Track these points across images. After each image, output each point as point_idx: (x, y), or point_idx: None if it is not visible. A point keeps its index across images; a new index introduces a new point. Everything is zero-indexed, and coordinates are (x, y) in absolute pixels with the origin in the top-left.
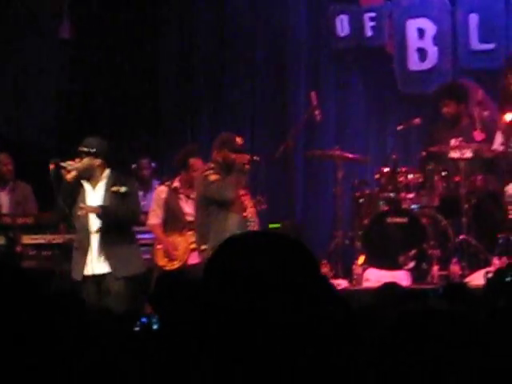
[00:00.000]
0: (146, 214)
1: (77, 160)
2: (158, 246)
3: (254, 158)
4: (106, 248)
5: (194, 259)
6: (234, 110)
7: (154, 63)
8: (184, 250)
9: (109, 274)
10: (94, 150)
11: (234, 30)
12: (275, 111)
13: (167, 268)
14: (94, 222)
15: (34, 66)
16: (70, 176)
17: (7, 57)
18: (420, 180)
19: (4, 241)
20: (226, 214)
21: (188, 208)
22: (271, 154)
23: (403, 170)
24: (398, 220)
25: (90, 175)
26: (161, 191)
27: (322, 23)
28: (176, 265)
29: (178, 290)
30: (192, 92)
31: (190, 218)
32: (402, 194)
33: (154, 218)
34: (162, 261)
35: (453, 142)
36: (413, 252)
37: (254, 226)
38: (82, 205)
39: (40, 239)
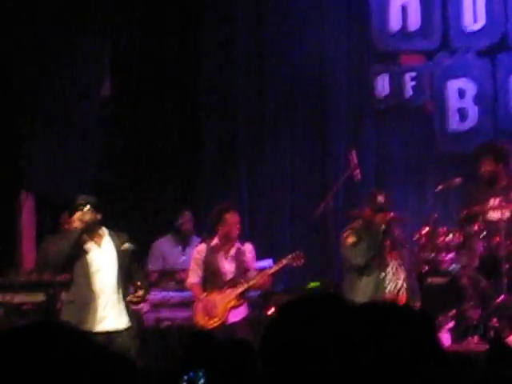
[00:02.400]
0: (185, 270)
1: (80, 213)
2: (197, 305)
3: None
4: (119, 305)
5: (233, 317)
6: (274, 169)
7: (194, 120)
8: (223, 308)
9: (125, 330)
10: (96, 205)
11: (275, 86)
12: (315, 169)
13: (207, 326)
14: (105, 278)
15: (76, 126)
16: (80, 224)
17: (51, 116)
18: (460, 240)
19: (44, 297)
20: (356, 277)
21: (227, 265)
22: (311, 212)
23: (443, 230)
24: (438, 280)
25: (93, 229)
26: (200, 250)
27: (363, 82)
28: (216, 323)
29: (207, 350)
30: (232, 146)
31: (228, 276)
32: (442, 255)
33: (193, 277)
34: (201, 320)
35: (491, 201)
36: (452, 312)
37: (394, 282)
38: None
39: None
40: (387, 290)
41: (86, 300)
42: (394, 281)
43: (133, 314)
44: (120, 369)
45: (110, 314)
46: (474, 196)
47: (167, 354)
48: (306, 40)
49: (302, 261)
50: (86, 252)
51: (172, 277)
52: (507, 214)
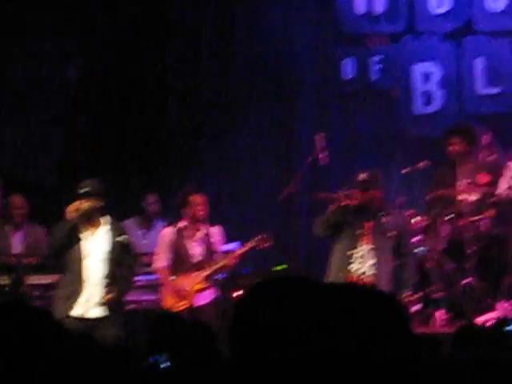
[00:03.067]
0: (148, 254)
1: (78, 202)
2: (165, 289)
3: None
4: (105, 294)
5: (201, 300)
6: (240, 152)
7: (160, 102)
8: (191, 291)
9: (105, 318)
10: (96, 192)
11: (241, 69)
12: (282, 152)
13: (175, 309)
14: (96, 266)
15: (42, 107)
16: (71, 215)
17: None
18: (426, 223)
19: (8, 281)
20: (332, 250)
21: (195, 248)
22: (278, 195)
23: (409, 213)
24: None
25: (90, 218)
26: (167, 233)
27: (329, 64)
28: (183, 306)
29: (173, 332)
30: (198, 130)
31: (196, 259)
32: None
33: (160, 261)
34: (169, 302)
35: (458, 184)
36: (419, 295)
37: (360, 265)
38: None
39: (45, 279)
40: (352, 269)
41: (76, 287)
42: (360, 263)
43: (118, 303)
44: (79, 349)
45: (93, 304)
46: (441, 179)
47: (133, 337)
48: (271, 22)
49: (269, 243)
50: (80, 239)
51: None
52: (474, 197)
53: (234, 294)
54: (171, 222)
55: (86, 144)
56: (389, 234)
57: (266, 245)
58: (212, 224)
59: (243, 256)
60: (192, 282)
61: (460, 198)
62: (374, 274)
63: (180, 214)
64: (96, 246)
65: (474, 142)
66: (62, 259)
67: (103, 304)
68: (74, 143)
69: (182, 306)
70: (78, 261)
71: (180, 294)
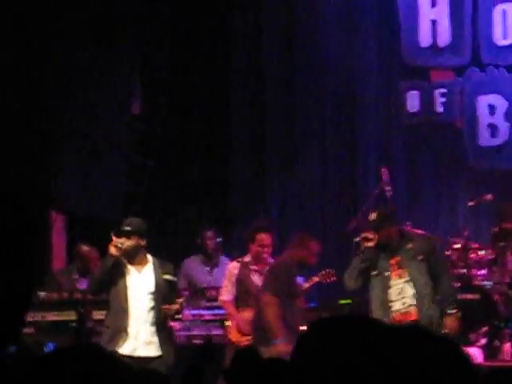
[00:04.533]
0: (215, 289)
1: (124, 239)
2: (231, 322)
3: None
4: (151, 333)
5: None
6: (304, 185)
7: (225, 136)
8: None
9: (157, 358)
10: (140, 230)
11: (305, 101)
12: (345, 185)
13: (241, 344)
14: (141, 304)
15: (106, 143)
16: (115, 252)
17: (83, 131)
18: (492, 256)
19: (75, 316)
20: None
21: (260, 283)
22: (342, 228)
23: (475, 246)
24: (470, 296)
25: (134, 256)
26: (233, 267)
27: (393, 98)
28: (249, 340)
29: (254, 367)
30: (261, 163)
31: None
32: (474, 271)
33: (226, 295)
34: (235, 337)
35: None
36: (485, 329)
37: (401, 301)
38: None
39: None
40: (394, 309)
41: (120, 326)
42: (401, 299)
43: (169, 345)
44: None
45: (141, 342)
46: (506, 212)
47: (200, 372)
48: (336, 55)
49: (334, 278)
50: (123, 277)
51: (203, 294)
52: None
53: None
54: (238, 256)
55: (150, 179)
56: (419, 258)
57: (330, 279)
58: (277, 257)
59: (308, 291)
60: None
61: None
62: (416, 303)
63: (246, 249)
64: (142, 283)
65: None
66: (107, 296)
67: (152, 343)
68: (138, 178)
69: (247, 340)
70: (124, 298)
71: (245, 328)
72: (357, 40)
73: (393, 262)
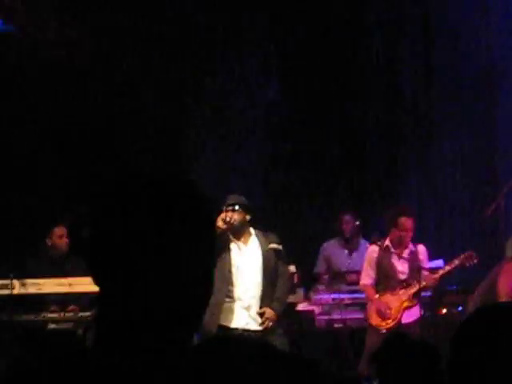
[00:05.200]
0: (354, 273)
1: (229, 213)
2: (371, 306)
3: None
4: (266, 300)
5: (407, 318)
6: (443, 168)
7: (360, 123)
8: (397, 309)
9: (265, 332)
10: (246, 206)
11: (443, 89)
12: (485, 167)
13: (381, 327)
14: (249, 279)
15: (242, 129)
16: (222, 225)
17: (215, 118)
18: None
19: None
20: None
21: (400, 266)
22: (481, 211)
23: None
24: None
25: (240, 230)
26: (372, 251)
27: None
28: (390, 324)
29: (402, 352)
30: (399, 142)
31: (402, 277)
32: None
33: (367, 279)
34: (375, 320)
35: None
36: None
37: None
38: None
39: None
40: None
41: (220, 300)
42: None
43: (275, 302)
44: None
45: (253, 316)
46: None
47: (340, 356)
48: (478, 40)
49: (475, 260)
50: (228, 251)
51: (342, 278)
52: None
53: (440, 312)
54: (377, 239)
55: (288, 163)
56: None
57: (472, 262)
58: (416, 242)
59: (449, 273)
60: (399, 299)
61: None
62: None
63: (387, 232)
64: (249, 257)
65: None
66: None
67: (262, 317)
68: (277, 163)
69: (387, 324)
70: (227, 272)
71: (385, 312)
72: (498, 15)
73: None
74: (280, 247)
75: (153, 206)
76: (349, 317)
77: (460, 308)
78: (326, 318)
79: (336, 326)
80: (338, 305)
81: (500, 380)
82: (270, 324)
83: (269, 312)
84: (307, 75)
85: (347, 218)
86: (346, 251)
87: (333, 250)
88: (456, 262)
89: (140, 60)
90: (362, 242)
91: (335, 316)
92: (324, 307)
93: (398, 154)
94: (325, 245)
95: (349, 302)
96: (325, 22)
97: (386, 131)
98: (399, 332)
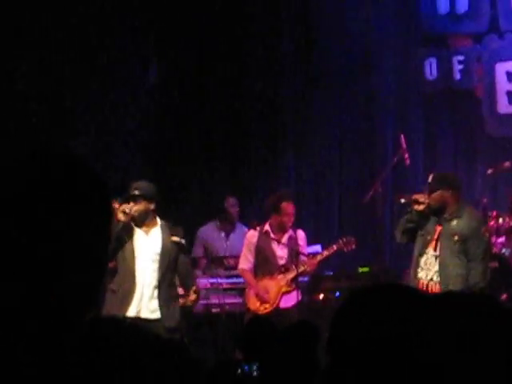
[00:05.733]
0: (232, 257)
1: (131, 203)
2: (250, 291)
3: None
4: (161, 294)
5: (285, 303)
6: (321, 154)
7: (240, 106)
8: (275, 294)
9: (157, 320)
10: (150, 194)
11: (322, 70)
12: (363, 154)
13: (259, 312)
14: (148, 268)
15: (120, 115)
16: (123, 217)
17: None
18: (510, 224)
19: None
20: None
21: (280, 251)
22: (359, 197)
23: (493, 214)
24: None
25: (143, 220)
26: (252, 235)
27: (411, 65)
28: (268, 308)
29: (267, 335)
30: (278, 132)
31: (281, 262)
32: (493, 238)
33: (245, 263)
34: (254, 305)
35: None
36: (504, 296)
37: (425, 272)
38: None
39: None
40: (419, 276)
41: (128, 289)
42: (425, 270)
43: (172, 308)
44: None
45: (145, 305)
46: None
47: (217, 341)
48: (354, 22)
49: (353, 246)
50: (131, 241)
51: (220, 263)
52: None
53: (317, 297)
54: (257, 224)
55: (168, 148)
56: (455, 238)
57: (350, 247)
58: (295, 227)
59: (327, 258)
60: (277, 284)
61: None
62: (439, 282)
63: (267, 217)
64: (149, 246)
65: None
66: (115, 260)
67: (161, 304)
68: (155, 147)
69: (265, 308)
70: (131, 261)
71: (264, 297)
72: (375, 8)
73: (438, 229)
74: (183, 241)
75: (33, 185)
76: (227, 301)
77: (337, 293)
78: (204, 302)
79: (214, 310)
80: (216, 289)
81: (376, 359)
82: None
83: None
84: (185, 61)
85: (232, 200)
86: (223, 234)
87: (209, 233)
88: (334, 247)
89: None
90: (239, 225)
91: (213, 301)
92: (202, 292)
93: (277, 138)
94: (201, 229)
95: (227, 286)
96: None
97: (266, 122)
98: (261, 316)
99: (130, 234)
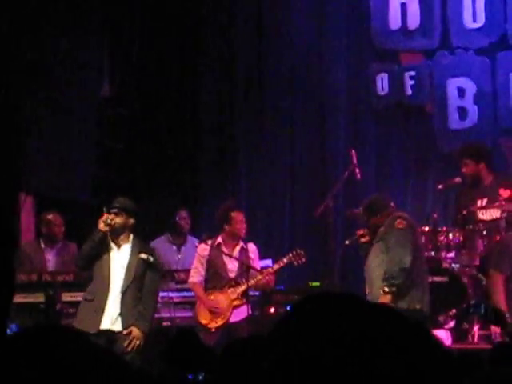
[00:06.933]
0: (183, 271)
1: (112, 216)
2: (200, 305)
3: None
4: (122, 309)
5: (235, 317)
6: (272, 169)
7: (194, 119)
8: (226, 308)
9: (119, 333)
10: (130, 210)
11: (273, 84)
12: (314, 169)
13: (210, 326)
14: (117, 281)
15: (76, 126)
16: (103, 227)
17: (49, 115)
18: (460, 239)
19: (44, 298)
20: None
21: (231, 264)
22: (310, 211)
23: (444, 229)
24: (439, 279)
25: (119, 234)
26: (203, 249)
27: (363, 80)
28: (219, 323)
29: (193, 349)
30: (230, 147)
31: (232, 275)
32: (443, 253)
33: (196, 276)
34: (204, 319)
35: (479, 203)
36: (453, 311)
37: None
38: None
39: (80, 296)
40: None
41: (101, 299)
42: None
43: (138, 323)
44: (119, 373)
45: (109, 316)
46: (463, 197)
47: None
48: (304, 37)
49: (303, 259)
50: (108, 253)
51: (171, 277)
52: (496, 214)
53: (268, 311)
54: (208, 237)
55: (119, 161)
56: (377, 240)
57: (300, 261)
58: (246, 240)
59: (277, 273)
60: (227, 298)
61: (481, 216)
62: (368, 288)
63: (218, 229)
64: (118, 261)
65: (487, 159)
66: (91, 269)
67: (123, 318)
68: (107, 160)
69: (216, 322)
70: (106, 273)
71: (215, 311)
72: (326, 22)
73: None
74: (151, 259)
75: None
76: (178, 315)
77: (289, 307)
78: (155, 316)
79: (165, 324)
80: (166, 303)
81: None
82: (137, 343)
83: (135, 331)
84: (139, 72)
85: (183, 213)
86: (175, 247)
87: (161, 247)
88: (284, 260)
89: None
90: (190, 238)
91: (164, 314)
92: None
93: (228, 151)
94: (152, 243)
95: (178, 300)
96: (156, 21)
97: (218, 132)
98: (188, 328)
99: (107, 247)
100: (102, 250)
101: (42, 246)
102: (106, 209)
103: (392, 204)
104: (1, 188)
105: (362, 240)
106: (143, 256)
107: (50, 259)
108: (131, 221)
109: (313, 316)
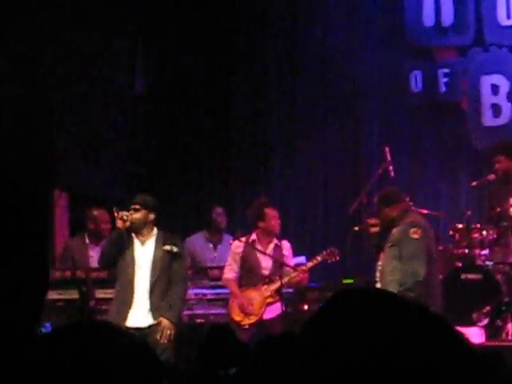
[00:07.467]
0: (217, 268)
1: (131, 212)
2: (234, 301)
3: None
4: (152, 303)
5: (269, 314)
6: (307, 166)
7: (226, 116)
8: (259, 305)
9: (154, 325)
10: (149, 205)
11: (307, 82)
12: (349, 166)
13: (243, 323)
14: (144, 277)
15: (108, 123)
16: (122, 225)
17: (83, 113)
18: (494, 236)
19: (78, 295)
20: None
21: (265, 262)
22: (344, 209)
23: (477, 226)
24: (472, 276)
25: (140, 229)
26: (237, 246)
27: (397, 78)
28: (252, 320)
29: (227, 345)
30: (265, 144)
31: (266, 272)
32: (477, 251)
33: (230, 273)
34: (237, 316)
35: (511, 200)
36: (487, 309)
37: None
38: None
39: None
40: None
41: (127, 297)
42: (378, 281)
43: (173, 315)
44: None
45: (138, 312)
46: (496, 194)
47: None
48: (338, 36)
49: (337, 257)
50: (131, 250)
51: (205, 274)
52: None
53: (302, 308)
54: (242, 235)
55: (154, 158)
56: (389, 244)
57: (334, 259)
58: (279, 238)
59: (311, 270)
60: (261, 295)
61: None
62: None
63: (252, 227)
64: (144, 256)
65: None
66: (115, 268)
67: (153, 312)
68: (141, 157)
69: (250, 319)
70: (130, 270)
71: (247, 308)
72: (360, 19)
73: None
74: (175, 249)
75: None
76: (211, 312)
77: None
78: (188, 313)
79: (198, 321)
80: (200, 300)
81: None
82: (168, 332)
83: (164, 322)
84: (173, 70)
85: (219, 210)
86: (211, 245)
87: (197, 244)
88: (318, 258)
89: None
90: (226, 236)
91: (198, 311)
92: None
93: (264, 149)
94: (188, 239)
95: (211, 297)
96: (190, 19)
97: (252, 130)
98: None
99: (129, 243)
100: (124, 248)
101: (87, 242)
102: (115, 208)
103: (407, 199)
104: (35, 185)
105: (372, 230)
106: (167, 247)
107: (94, 256)
108: (151, 216)
109: (344, 311)
